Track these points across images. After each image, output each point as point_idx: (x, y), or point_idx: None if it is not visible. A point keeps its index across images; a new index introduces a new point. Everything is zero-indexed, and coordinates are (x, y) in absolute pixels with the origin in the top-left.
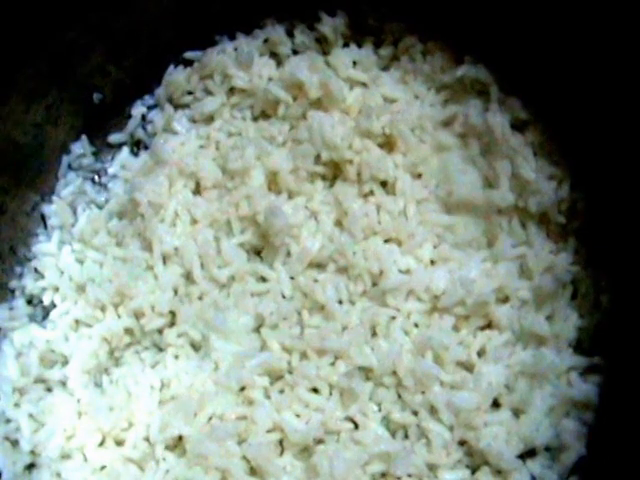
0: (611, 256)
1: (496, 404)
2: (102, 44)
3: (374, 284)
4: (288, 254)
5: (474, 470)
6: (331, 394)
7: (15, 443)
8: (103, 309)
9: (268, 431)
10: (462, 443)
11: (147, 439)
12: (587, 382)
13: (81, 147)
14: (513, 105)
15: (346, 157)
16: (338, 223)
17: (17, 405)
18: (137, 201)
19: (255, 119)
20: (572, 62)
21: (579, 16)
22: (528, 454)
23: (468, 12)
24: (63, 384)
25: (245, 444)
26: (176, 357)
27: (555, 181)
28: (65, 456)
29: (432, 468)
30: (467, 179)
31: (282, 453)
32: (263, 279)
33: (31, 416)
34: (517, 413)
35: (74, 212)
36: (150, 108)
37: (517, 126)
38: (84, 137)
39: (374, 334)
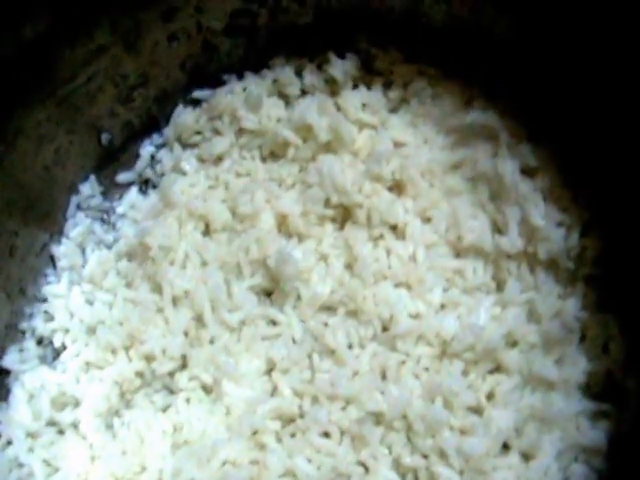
0: (620, 302)
1: (505, 447)
2: (111, 86)
3: (384, 329)
4: (298, 298)
5: None
6: (342, 439)
7: None
8: (114, 352)
9: (280, 476)
10: None
11: None
12: (596, 428)
13: (90, 187)
14: (522, 151)
15: (356, 201)
16: (348, 267)
17: (30, 450)
18: (147, 245)
19: (264, 160)
20: (583, 109)
21: (591, 61)
22: None
23: (478, 56)
24: (75, 426)
25: None
26: (187, 401)
27: (564, 228)
28: None
29: None
30: (476, 224)
31: None
32: (274, 323)
33: (44, 461)
34: (526, 457)
35: (83, 252)
36: (158, 147)
37: (526, 172)
38: (92, 177)
39: (384, 378)
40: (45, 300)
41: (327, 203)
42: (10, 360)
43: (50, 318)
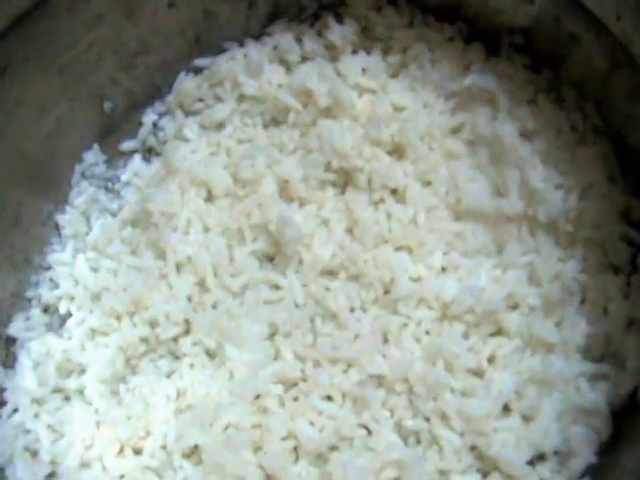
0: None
1: (506, 409)
2: (112, 54)
3: (385, 292)
4: (300, 262)
5: (485, 475)
6: (344, 402)
7: (35, 454)
8: (118, 318)
9: (283, 439)
10: (473, 448)
11: (164, 447)
12: (595, 389)
13: (93, 156)
14: (521, 114)
15: (356, 165)
16: (349, 231)
17: (36, 416)
18: (150, 212)
19: (265, 126)
20: (582, 68)
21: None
22: (538, 458)
23: (477, 20)
24: (81, 393)
25: (260, 452)
26: (191, 366)
27: (563, 190)
28: (84, 465)
29: (444, 474)
30: (476, 187)
31: (297, 460)
32: (276, 287)
33: (50, 426)
34: (526, 419)
35: (88, 220)
36: (161, 115)
37: (525, 135)
38: (96, 146)
39: (385, 341)
40: (50, 268)
41: (328, 167)
42: (16, 328)
43: (55, 286)
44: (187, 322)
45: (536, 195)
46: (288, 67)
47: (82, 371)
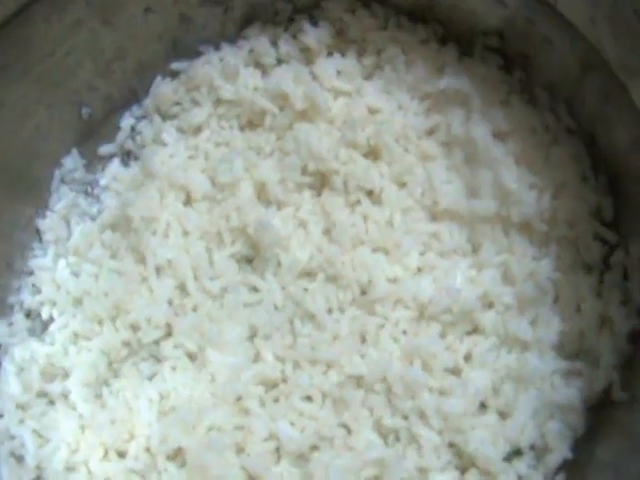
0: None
1: (483, 407)
2: (90, 60)
3: (363, 293)
4: (278, 264)
5: (463, 471)
6: (324, 402)
7: (20, 459)
8: (100, 322)
9: (264, 440)
10: (451, 445)
11: (148, 450)
12: (570, 386)
13: (72, 161)
14: (494, 116)
15: (332, 168)
16: (326, 232)
17: (21, 421)
18: (129, 216)
19: (242, 129)
20: (555, 70)
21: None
22: (514, 453)
23: (451, 22)
24: (65, 397)
25: (243, 454)
26: (173, 369)
27: (536, 190)
28: (70, 469)
29: (423, 471)
30: (451, 188)
31: (279, 461)
32: (255, 289)
33: (35, 431)
34: (503, 416)
35: (68, 225)
36: (138, 119)
37: (499, 136)
38: (75, 151)
39: (364, 341)
40: (32, 273)
41: (304, 170)
42: None
43: (37, 291)
44: (168, 325)
45: (510, 195)
46: (264, 70)
47: (66, 375)
